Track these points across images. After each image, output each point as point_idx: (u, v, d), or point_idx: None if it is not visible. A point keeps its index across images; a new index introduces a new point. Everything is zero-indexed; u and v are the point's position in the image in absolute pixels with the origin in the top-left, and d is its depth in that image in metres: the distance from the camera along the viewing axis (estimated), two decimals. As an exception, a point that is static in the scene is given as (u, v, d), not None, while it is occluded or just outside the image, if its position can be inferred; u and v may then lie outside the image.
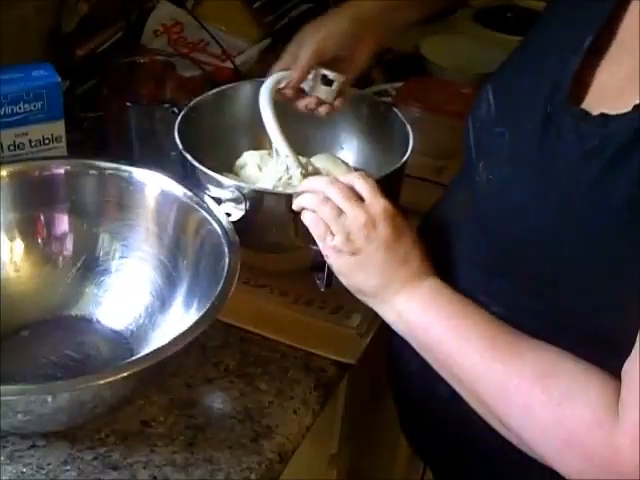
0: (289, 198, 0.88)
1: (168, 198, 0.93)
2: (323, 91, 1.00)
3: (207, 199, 0.91)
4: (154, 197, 0.94)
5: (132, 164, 0.95)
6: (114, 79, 1.15)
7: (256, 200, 0.91)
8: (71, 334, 0.93)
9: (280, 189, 0.97)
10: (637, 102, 0.66)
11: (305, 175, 0.98)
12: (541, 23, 0.84)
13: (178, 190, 0.92)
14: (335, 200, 0.81)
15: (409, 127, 1.02)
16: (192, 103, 1.05)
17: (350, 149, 1.13)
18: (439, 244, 0.84)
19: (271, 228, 0.94)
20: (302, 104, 1.01)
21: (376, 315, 0.95)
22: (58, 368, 0.88)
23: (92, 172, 0.95)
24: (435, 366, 0.78)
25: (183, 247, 0.92)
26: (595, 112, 0.70)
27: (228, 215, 0.89)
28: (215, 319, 0.79)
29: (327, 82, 1.00)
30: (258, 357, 0.93)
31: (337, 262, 0.82)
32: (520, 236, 0.75)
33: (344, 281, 0.83)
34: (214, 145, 1.07)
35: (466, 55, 1.45)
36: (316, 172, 1.02)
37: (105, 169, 0.95)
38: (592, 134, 0.69)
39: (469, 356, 0.74)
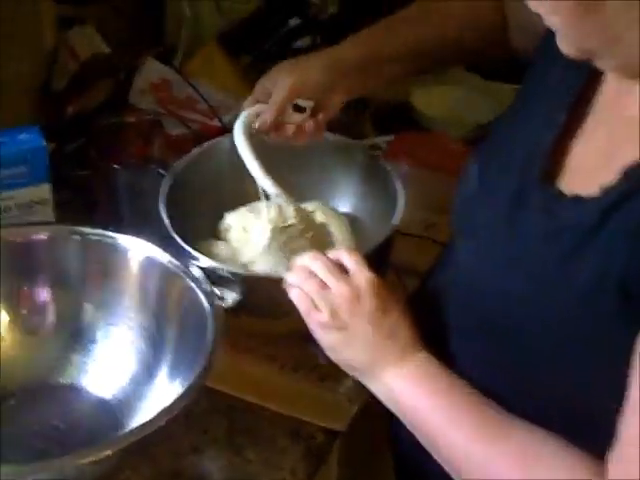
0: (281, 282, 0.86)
1: (152, 265, 0.92)
2: (296, 118, 0.99)
3: (193, 269, 0.90)
4: (138, 264, 0.93)
5: (117, 230, 0.94)
6: (102, 139, 1.15)
7: (252, 283, 0.90)
8: (57, 403, 0.91)
9: (275, 246, 0.96)
10: (608, 181, 0.66)
11: (298, 213, 0.98)
12: (519, 95, 0.84)
13: (163, 257, 0.92)
14: (320, 274, 0.80)
15: (399, 186, 1.01)
16: (177, 167, 1.05)
17: (342, 197, 1.12)
18: (434, 310, 0.84)
19: (269, 307, 0.93)
20: (278, 135, 1.00)
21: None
22: (43, 439, 0.87)
23: (75, 238, 0.94)
24: (423, 442, 0.77)
25: (167, 315, 0.91)
26: (568, 191, 0.70)
27: (221, 299, 0.88)
28: (200, 390, 0.78)
29: (299, 109, 0.99)
30: (245, 424, 0.92)
31: (324, 338, 0.81)
32: (491, 307, 0.75)
33: (333, 356, 0.82)
34: (202, 206, 1.06)
35: (458, 105, 1.45)
36: (309, 216, 1.02)
37: (88, 235, 0.94)
38: (563, 216, 0.69)
39: (454, 436, 0.73)
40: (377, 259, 0.83)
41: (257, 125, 0.99)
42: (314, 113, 0.99)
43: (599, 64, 0.67)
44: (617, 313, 0.64)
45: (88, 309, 0.94)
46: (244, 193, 1.06)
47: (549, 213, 0.70)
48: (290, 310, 0.87)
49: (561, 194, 0.71)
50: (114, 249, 0.93)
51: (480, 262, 0.77)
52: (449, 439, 0.74)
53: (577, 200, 0.68)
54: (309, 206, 1.06)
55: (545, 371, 0.72)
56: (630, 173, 0.64)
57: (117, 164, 1.11)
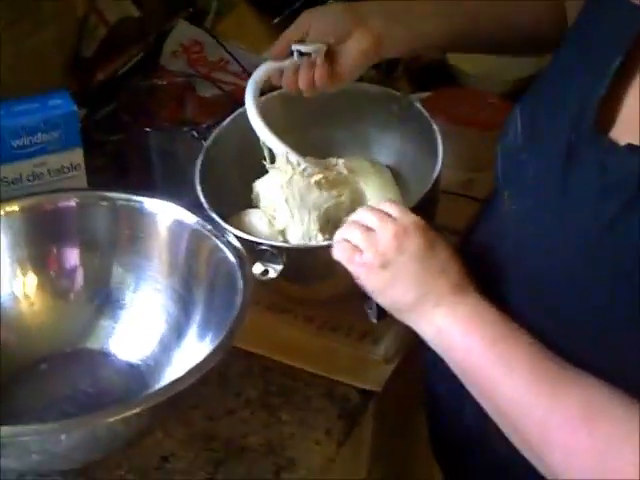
0: (329, 249, 0.83)
1: (180, 227, 0.91)
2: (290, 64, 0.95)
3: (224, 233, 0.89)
4: (166, 227, 0.92)
5: (144, 194, 0.94)
6: (133, 103, 1.14)
7: (294, 254, 0.89)
8: (87, 368, 0.91)
9: (297, 198, 0.94)
10: None
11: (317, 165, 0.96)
12: (568, 40, 0.80)
13: (190, 219, 0.91)
14: (363, 220, 0.78)
15: (439, 139, 0.97)
16: (211, 137, 1.02)
17: (381, 149, 1.09)
18: (476, 265, 0.79)
19: (311, 275, 0.92)
20: (285, 84, 0.97)
21: (403, 340, 0.93)
22: (72, 404, 0.87)
23: (103, 203, 0.94)
24: (472, 391, 0.73)
25: (197, 276, 0.90)
26: (622, 141, 0.66)
27: (266, 273, 0.87)
28: (229, 350, 0.77)
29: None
30: (281, 386, 0.91)
31: (369, 279, 0.77)
32: (540, 268, 0.71)
33: (379, 299, 0.78)
34: (237, 173, 1.04)
35: (495, 61, 1.41)
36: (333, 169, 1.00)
37: (116, 200, 0.94)
38: (616, 167, 0.65)
39: (512, 386, 0.68)
40: (421, 215, 0.79)
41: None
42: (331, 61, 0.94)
43: None
44: None
45: (117, 273, 0.94)
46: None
47: (603, 166, 0.66)
48: (331, 275, 0.88)
49: (615, 145, 0.67)
50: (142, 212, 0.93)
51: (530, 215, 0.74)
52: (505, 389, 0.69)
53: (631, 149, 0.65)
54: (341, 161, 1.02)
55: (586, 338, 0.69)
56: None
57: (149, 127, 1.10)
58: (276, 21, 1.27)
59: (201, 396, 0.89)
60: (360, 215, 0.79)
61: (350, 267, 0.78)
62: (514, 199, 0.77)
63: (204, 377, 0.74)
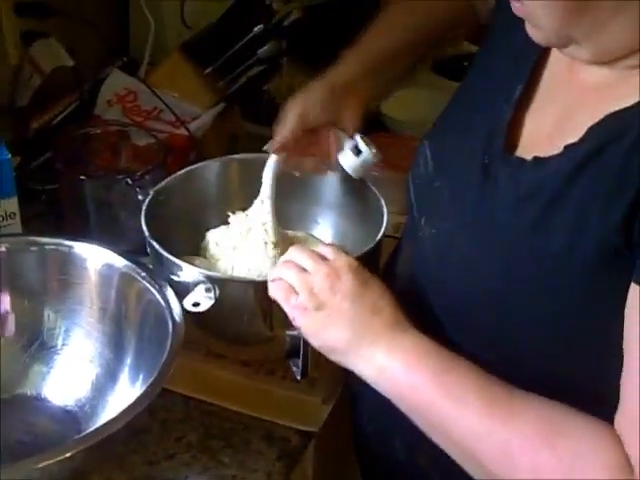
0: (260, 285, 0.86)
1: (110, 270, 0.92)
2: (348, 158, 0.98)
3: (150, 273, 0.91)
4: (96, 270, 0.93)
5: (73, 238, 0.95)
6: (68, 151, 1.15)
7: (226, 288, 0.89)
8: (20, 414, 0.91)
9: (244, 251, 0.96)
10: (567, 143, 0.67)
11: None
12: (471, 75, 0.87)
13: (120, 262, 0.92)
14: (298, 261, 0.79)
15: (384, 204, 1.00)
16: (159, 186, 1.03)
17: (325, 224, 1.11)
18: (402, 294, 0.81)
19: (242, 317, 0.92)
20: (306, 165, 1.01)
21: (339, 380, 0.95)
22: (8, 454, 0.85)
23: (33, 249, 0.95)
24: (425, 428, 0.72)
25: (127, 319, 0.91)
26: (529, 158, 0.71)
27: (197, 305, 0.87)
28: (159, 392, 0.77)
29: (357, 152, 0.98)
30: (220, 430, 0.92)
31: (304, 321, 0.77)
32: (468, 287, 0.74)
33: (315, 342, 0.78)
34: (182, 227, 1.05)
35: (425, 108, 1.45)
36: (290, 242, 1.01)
37: (46, 245, 0.94)
38: (527, 179, 0.70)
39: (466, 416, 0.68)
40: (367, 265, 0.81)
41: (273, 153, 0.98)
42: None
43: (573, 52, 0.69)
44: (594, 270, 0.64)
45: (48, 318, 0.94)
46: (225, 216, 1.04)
47: (516, 180, 0.71)
48: (263, 312, 0.90)
49: (524, 160, 0.72)
50: (71, 257, 0.94)
51: (448, 238, 0.77)
52: (458, 419, 0.69)
53: (538, 161, 0.70)
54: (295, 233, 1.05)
55: (522, 352, 0.72)
56: (593, 131, 0.66)
57: (84, 176, 1.11)
58: (208, 71, 1.30)
59: (141, 442, 0.90)
60: (293, 255, 0.80)
61: (286, 308, 0.79)
62: (431, 224, 0.80)
63: (135, 420, 0.74)
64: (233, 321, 0.93)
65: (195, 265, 0.94)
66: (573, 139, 0.67)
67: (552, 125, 0.71)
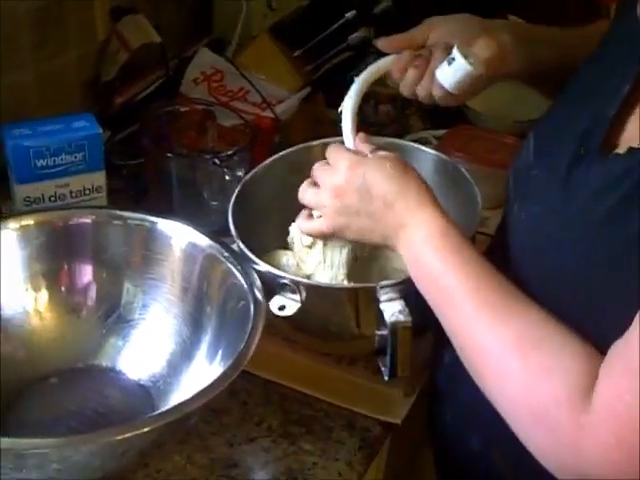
0: (348, 291, 0.87)
1: (193, 249, 0.92)
2: (444, 71, 0.89)
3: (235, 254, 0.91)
4: (179, 248, 0.93)
5: (158, 215, 0.95)
6: (155, 127, 1.15)
7: (313, 293, 0.88)
8: (96, 385, 0.92)
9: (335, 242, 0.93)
10: None
11: None
12: (581, 71, 0.85)
13: (203, 241, 0.92)
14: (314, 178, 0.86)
15: (478, 195, 0.98)
16: (248, 176, 1.02)
17: None
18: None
19: (329, 317, 0.92)
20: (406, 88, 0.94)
21: (422, 374, 0.94)
22: (80, 420, 0.87)
23: (117, 222, 0.95)
24: (436, 313, 0.77)
25: (208, 300, 0.91)
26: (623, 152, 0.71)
27: (282, 308, 0.87)
28: (238, 374, 0.77)
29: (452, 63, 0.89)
30: (301, 416, 0.92)
31: (330, 223, 0.84)
32: (547, 268, 0.75)
33: (350, 235, 0.85)
34: (272, 217, 1.02)
35: (507, 102, 1.43)
36: None
37: (130, 219, 0.95)
38: (616, 167, 0.70)
39: (458, 314, 0.74)
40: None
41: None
42: None
43: None
44: None
45: (128, 292, 0.95)
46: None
47: (606, 168, 0.71)
48: (348, 318, 0.89)
49: (618, 155, 0.71)
50: (155, 233, 0.94)
51: (536, 221, 0.78)
52: (452, 317, 0.74)
53: (630, 152, 0.69)
54: None
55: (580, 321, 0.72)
56: None
57: (169, 153, 1.11)
58: (297, 54, 1.29)
59: (222, 423, 0.90)
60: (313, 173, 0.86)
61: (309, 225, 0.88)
62: (523, 209, 0.81)
63: (213, 400, 0.75)
64: (318, 320, 0.92)
65: (282, 263, 0.95)
66: None
67: None
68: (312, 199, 0.86)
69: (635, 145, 0.70)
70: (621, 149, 0.72)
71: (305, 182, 0.88)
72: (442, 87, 0.90)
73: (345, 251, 0.93)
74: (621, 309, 0.65)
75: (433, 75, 0.90)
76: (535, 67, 0.95)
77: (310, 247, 0.94)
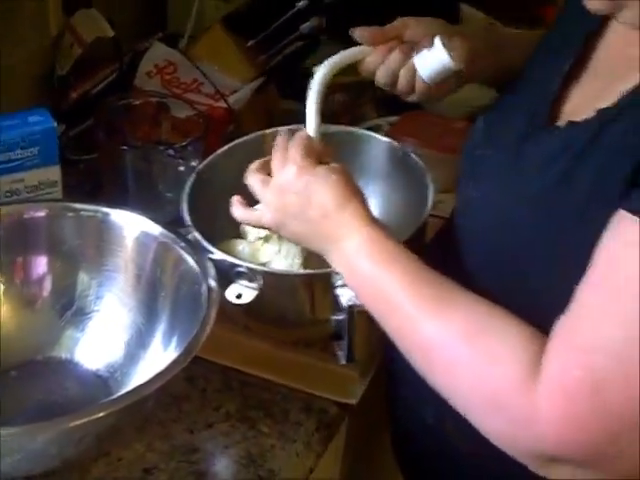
0: (304, 277, 0.88)
1: (146, 238, 0.94)
2: (422, 59, 0.89)
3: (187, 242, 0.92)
4: (132, 238, 0.94)
5: (111, 206, 0.96)
6: (108, 121, 1.15)
7: (269, 280, 0.89)
8: (54, 376, 0.92)
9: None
10: (600, 107, 0.69)
11: None
12: (533, 55, 0.89)
13: (156, 230, 0.93)
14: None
15: (429, 180, 0.99)
16: (202, 165, 1.03)
17: (369, 192, 1.07)
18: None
19: (285, 304, 0.93)
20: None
21: (377, 355, 0.96)
22: (40, 412, 0.88)
23: (70, 215, 0.96)
24: (376, 315, 0.77)
25: (161, 286, 0.92)
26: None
27: (239, 297, 0.88)
28: (192, 359, 0.78)
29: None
30: (259, 400, 0.93)
31: (269, 217, 0.85)
32: (500, 237, 0.77)
33: (286, 235, 0.86)
34: (227, 206, 0.99)
35: (461, 88, 1.45)
36: None
37: (83, 211, 0.96)
38: (559, 139, 0.73)
39: (399, 310, 0.73)
40: (412, 245, 0.82)
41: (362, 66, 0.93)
42: None
43: (621, 16, 0.70)
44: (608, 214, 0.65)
45: (83, 282, 0.96)
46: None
47: (548, 142, 0.74)
48: (306, 305, 0.91)
49: (558, 128, 0.75)
50: (108, 224, 0.95)
51: (488, 196, 0.80)
52: (393, 313, 0.74)
53: (571, 124, 0.72)
54: None
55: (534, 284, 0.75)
56: (627, 96, 0.68)
57: (125, 146, 1.11)
58: (249, 44, 1.30)
59: (182, 410, 0.91)
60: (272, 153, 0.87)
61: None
62: (474, 188, 0.84)
63: (169, 386, 0.76)
64: (275, 308, 0.93)
65: (238, 252, 0.95)
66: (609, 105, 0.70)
67: (595, 96, 0.73)
68: (257, 187, 0.86)
69: (577, 119, 0.72)
70: (562, 122, 0.75)
71: (257, 162, 0.88)
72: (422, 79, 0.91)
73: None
74: (567, 283, 0.66)
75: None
76: (502, 71, 0.97)
77: (266, 240, 0.95)
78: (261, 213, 0.86)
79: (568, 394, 0.62)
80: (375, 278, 0.76)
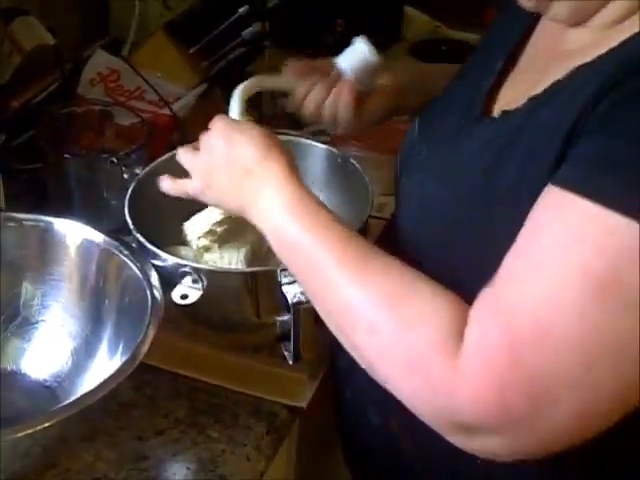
0: (249, 275, 0.88)
1: (89, 246, 0.94)
2: (346, 57, 0.97)
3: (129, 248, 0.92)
4: (75, 246, 0.94)
5: (53, 215, 0.96)
6: (52, 130, 1.15)
7: (213, 279, 0.89)
8: (0, 388, 0.91)
9: (227, 237, 0.95)
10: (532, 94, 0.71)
11: None
12: (471, 58, 0.92)
13: (98, 238, 0.93)
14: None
15: (369, 183, 1.01)
16: (144, 172, 1.03)
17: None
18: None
19: (230, 306, 0.93)
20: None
21: (325, 357, 0.96)
22: None
23: (11, 225, 0.95)
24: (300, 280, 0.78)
25: (105, 294, 0.92)
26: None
27: (185, 297, 0.87)
28: (138, 367, 0.78)
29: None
30: (208, 405, 0.93)
31: (194, 182, 0.87)
32: (433, 226, 0.79)
33: (210, 197, 0.86)
34: (170, 214, 1.01)
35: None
36: None
37: (25, 221, 0.95)
38: (492, 129, 0.75)
39: (322, 272, 0.73)
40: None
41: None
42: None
43: (550, 13, 0.73)
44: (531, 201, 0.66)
45: (27, 292, 0.95)
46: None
47: (481, 132, 0.76)
48: (251, 304, 0.91)
49: (494, 118, 0.77)
50: (51, 233, 0.95)
51: (421, 184, 0.82)
52: (314, 276, 0.74)
53: (505, 114, 0.74)
54: None
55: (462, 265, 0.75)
56: (556, 83, 0.70)
57: (68, 155, 1.11)
58: (192, 50, 1.30)
59: (130, 418, 0.90)
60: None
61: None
62: (408, 178, 0.86)
63: (115, 393, 0.75)
64: (220, 310, 0.93)
65: (182, 256, 0.94)
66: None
67: (528, 88, 0.74)
68: (186, 159, 0.88)
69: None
70: (496, 114, 0.77)
71: (188, 145, 0.90)
72: (346, 107, 0.96)
73: (243, 251, 0.95)
74: (495, 263, 0.67)
75: (339, 96, 0.96)
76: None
77: (205, 249, 0.95)
78: (188, 180, 0.88)
79: (487, 357, 0.62)
80: (299, 238, 0.75)
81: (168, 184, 0.91)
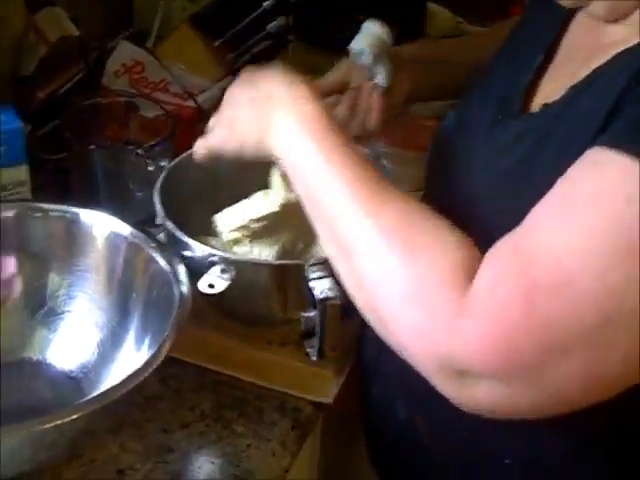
0: (276, 268, 0.88)
1: (116, 238, 0.93)
2: (358, 41, 0.98)
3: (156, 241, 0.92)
4: (102, 238, 0.94)
5: (79, 206, 0.95)
6: (77, 121, 1.14)
7: (241, 270, 0.88)
8: (26, 378, 0.91)
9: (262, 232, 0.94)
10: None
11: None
12: (501, 49, 0.91)
13: (126, 230, 0.93)
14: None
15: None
16: (174, 162, 1.02)
17: None
18: None
19: (256, 299, 0.92)
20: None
21: (351, 353, 0.96)
22: (11, 415, 0.82)
23: (38, 215, 0.95)
24: (312, 209, 0.75)
25: (133, 286, 0.92)
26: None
27: (212, 286, 0.86)
28: (165, 360, 0.77)
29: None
30: (232, 399, 0.93)
31: (214, 133, 0.88)
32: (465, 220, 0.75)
33: (230, 143, 0.85)
34: (199, 205, 1.01)
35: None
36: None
37: (51, 211, 0.95)
38: (532, 120, 0.75)
39: (337, 202, 0.71)
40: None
41: None
42: None
43: (591, 10, 0.72)
44: None
45: (54, 283, 0.95)
46: (239, 193, 0.99)
47: (519, 127, 0.75)
48: (280, 296, 0.91)
49: (532, 114, 0.76)
50: (78, 224, 0.94)
51: (454, 182, 0.81)
52: (331, 206, 0.71)
53: (545, 106, 0.74)
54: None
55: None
56: (596, 70, 0.69)
57: (93, 146, 1.10)
58: (217, 43, 1.29)
59: (156, 410, 0.90)
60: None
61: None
62: (443, 168, 0.85)
63: (142, 386, 0.75)
64: (247, 303, 0.93)
65: (211, 247, 0.93)
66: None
67: (568, 80, 0.74)
68: (211, 120, 0.88)
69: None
70: (537, 109, 0.76)
71: None
72: (377, 114, 0.99)
73: (275, 248, 0.94)
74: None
75: (365, 109, 0.98)
76: (451, 83, 1.04)
77: (236, 242, 0.95)
78: (211, 134, 0.88)
79: (499, 300, 0.59)
80: (314, 160, 0.73)
81: (198, 147, 0.90)
